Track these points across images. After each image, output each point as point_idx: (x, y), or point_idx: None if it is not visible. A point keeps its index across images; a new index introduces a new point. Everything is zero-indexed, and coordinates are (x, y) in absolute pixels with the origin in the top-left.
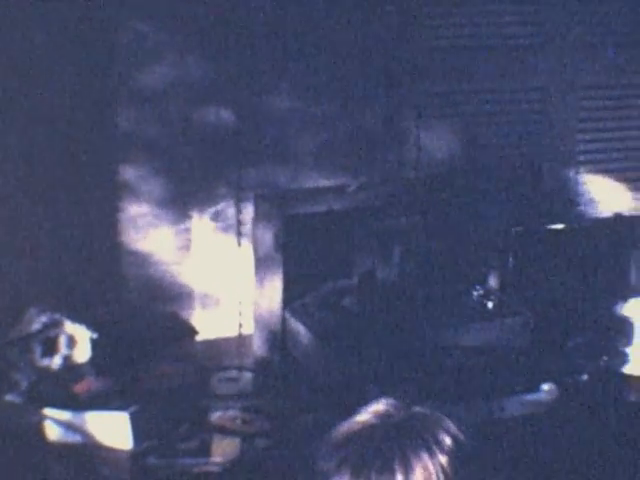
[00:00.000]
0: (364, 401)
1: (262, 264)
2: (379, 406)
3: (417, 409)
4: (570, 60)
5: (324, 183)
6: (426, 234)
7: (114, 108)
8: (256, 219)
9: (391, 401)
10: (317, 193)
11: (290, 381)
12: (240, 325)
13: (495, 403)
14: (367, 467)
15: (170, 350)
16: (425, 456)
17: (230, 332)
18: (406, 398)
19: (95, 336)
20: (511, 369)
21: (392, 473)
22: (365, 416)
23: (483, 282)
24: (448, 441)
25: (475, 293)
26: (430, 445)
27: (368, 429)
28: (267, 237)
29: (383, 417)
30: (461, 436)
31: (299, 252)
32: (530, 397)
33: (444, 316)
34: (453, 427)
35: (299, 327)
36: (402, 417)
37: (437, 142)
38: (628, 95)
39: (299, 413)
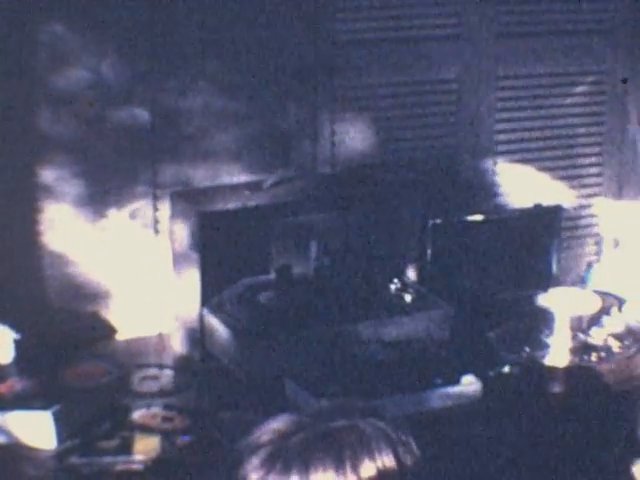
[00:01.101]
0: (283, 396)
1: (179, 262)
2: (279, 424)
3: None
4: (486, 50)
5: (240, 180)
6: (343, 229)
7: (30, 110)
8: (172, 217)
9: (293, 417)
10: (232, 189)
11: (210, 378)
12: (160, 323)
13: (415, 397)
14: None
15: (91, 349)
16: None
17: (150, 330)
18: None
19: (18, 337)
20: (431, 362)
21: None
22: (265, 436)
23: (401, 275)
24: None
25: (393, 287)
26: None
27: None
28: (183, 235)
29: (283, 436)
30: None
31: (216, 249)
32: (451, 390)
33: (362, 310)
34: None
35: (217, 324)
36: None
37: (352, 137)
38: (545, 84)
39: (219, 410)
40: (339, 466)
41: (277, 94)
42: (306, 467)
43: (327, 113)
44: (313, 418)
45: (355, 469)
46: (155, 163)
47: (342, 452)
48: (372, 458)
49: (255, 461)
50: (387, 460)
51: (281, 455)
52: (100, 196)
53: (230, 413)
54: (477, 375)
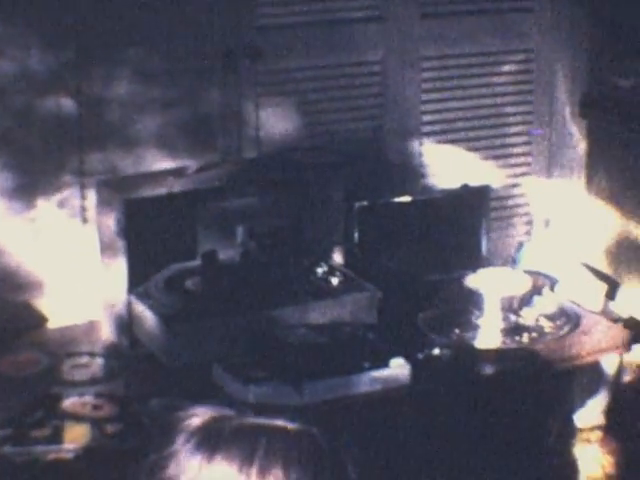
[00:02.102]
0: (211, 382)
1: (106, 250)
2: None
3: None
4: (410, 31)
5: (166, 166)
6: (269, 213)
7: None
8: (98, 205)
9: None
10: (157, 176)
11: (138, 365)
12: (90, 311)
13: (343, 381)
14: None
15: (22, 339)
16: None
17: (80, 319)
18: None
19: None
20: (359, 346)
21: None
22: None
23: (328, 259)
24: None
25: (319, 270)
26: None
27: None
28: (110, 223)
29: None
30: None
31: (143, 236)
32: (380, 373)
33: (288, 295)
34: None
35: (144, 310)
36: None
37: (277, 121)
38: (471, 64)
39: (148, 397)
40: (244, 465)
41: (201, 80)
42: (212, 454)
43: (251, 98)
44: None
45: (262, 474)
46: (82, 152)
47: (255, 453)
48: (285, 469)
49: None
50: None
51: (211, 440)
52: (28, 187)
53: (159, 400)
54: (406, 358)
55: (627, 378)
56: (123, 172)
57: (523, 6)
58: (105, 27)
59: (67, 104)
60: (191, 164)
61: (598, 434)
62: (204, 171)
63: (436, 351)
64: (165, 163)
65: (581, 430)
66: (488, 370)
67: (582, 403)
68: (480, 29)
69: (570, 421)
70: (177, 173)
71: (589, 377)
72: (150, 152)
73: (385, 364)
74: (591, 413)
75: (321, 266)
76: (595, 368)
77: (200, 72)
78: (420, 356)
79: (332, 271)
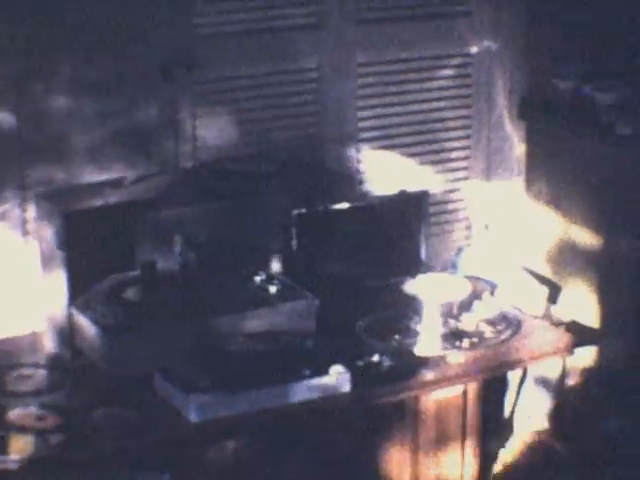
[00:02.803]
0: (153, 392)
1: (47, 262)
2: None
3: None
4: (345, 38)
5: (104, 178)
6: (207, 222)
7: None
8: (38, 218)
9: None
10: (95, 188)
11: (81, 376)
12: (32, 323)
13: (283, 389)
14: None
15: None
16: None
17: (23, 331)
18: None
19: None
20: (299, 353)
21: None
22: None
23: (266, 267)
24: None
25: (258, 279)
26: None
27: None
28: (49, 235)
29: None
30: None
31: (82, 247)
32: (319, 380)
33: (227, 303)
34: None
35: (84, 322)
36: None
37: (213, 130)
38: (408, 69)
39: (91, 407)
40: None
41: (138, 90)
42: None
43: (188, 107)
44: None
45: None
46: (22, 166)
47: None
48: None
49: None
50: None
51: None
52: None
53: (102, 410)
54: (346, 365)
55: (570, 382)
56: (62, 184)
57: (460, 10)
58: (42, 40)
59: (6, 119)
60: (128, 175)
61: (543, 437)
62: (141, 182)
63: (375, 358)
64: (103, 174)
65: (525, 433)
66: (427, 376)
67: (526, 407)
68: (417, 34)
69: (510, 424)
70: (114, 184)
71: (532, 381)
72: (88, 164)
73: (324, 371)
74: (535, 417)
75: (259, 274)
76: (538, 372)
77: (137, 83)
78: (360, 363)
79: (270, 279)
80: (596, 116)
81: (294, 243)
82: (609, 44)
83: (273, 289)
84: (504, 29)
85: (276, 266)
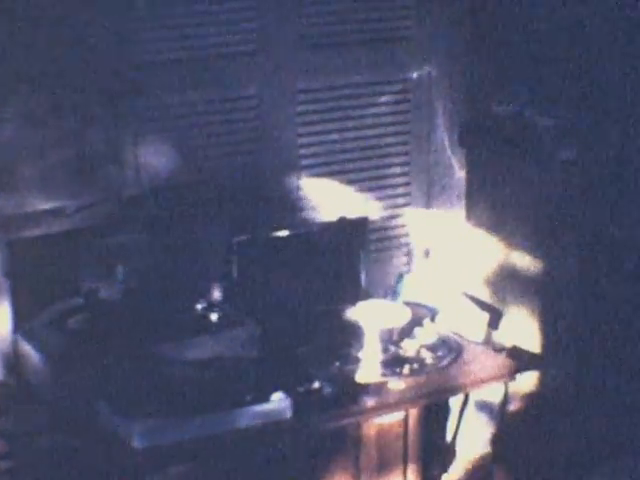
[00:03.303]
0: (97, 418)
1: None
2: None
3: None
4: (285, 64)
5: (49, 206)
6: (149, 250)
7: None
8: None
9: None
10: (39, 216)
11: (26, 403)
12: None
13: (225, 415)
14: None
15: None
16: None
17: None
18: None
19: None
20: (240, 380)
21: None
22: None
23: (207, 295)
24: None
25: (199, 306)
26: None
27: None
28: None
29: None
30: None
31: (27, 275)
32: (260, 407)
33: (169, 331)
34: None
35: (29, 350)
36: None
37: (156, 157)
38: (348, 95)
39: (36, 435)
40: None
41: (81, 119)
42: None
43: (130, 135)
44: None
45: None
46: None
47: None
48: None
49: None
50: None
51: None
52: None
53: (47, 437)
54: (287, 392)
55: (512, 407)
56: (7, 213)
57: (400, 36)
58: None
59: None
60: (72, 203)
61: (484, 462)
62: (84, 210)
63: (317, 384)
64: (48, 203)
65: (468, 458)
66: (368, 402)
67: (468, 432)
68: (357, 60)
69: (453, 449)
70: (58, 213)
71: (473, 406)
72: (33, 192)
73: (266, 398)
74: (477, 442)
75: (201, 302)
76: (479, 397)
77: (80, 111)
78: (301, 390)
79: (211, 307)
80: (537, 141)
81: (235, 270)
82: (550, 69)
83: (214, 316)
84: (444, 55)
85: (217, 293)
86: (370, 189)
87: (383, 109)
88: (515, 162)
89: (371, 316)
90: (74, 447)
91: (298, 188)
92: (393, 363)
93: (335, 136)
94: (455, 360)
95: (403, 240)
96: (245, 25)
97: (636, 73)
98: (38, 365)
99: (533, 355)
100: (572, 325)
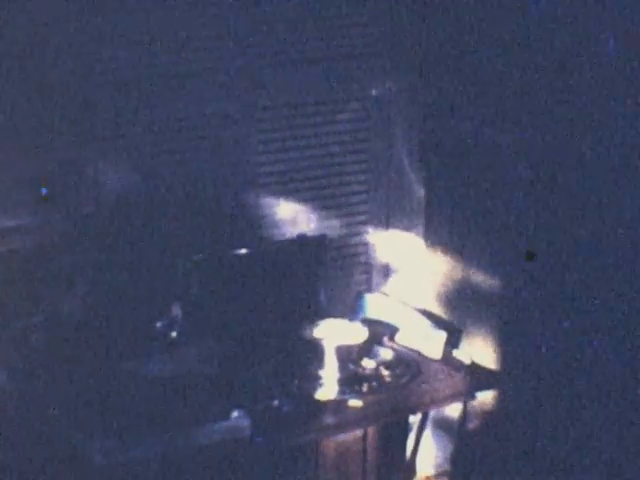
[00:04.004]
0: (58, 435)
1: None
2: None
3: None
4: (245, 82)
5: (9, 224)
6: (108, 267)
7: None
8: None
9: None
10: None
11: None
12: None
13: (184, 433)
14: None
15: None
16: None
17: None
18: None
19: None
20: (199, 398)
21: None
22: None
23: (167, 312)
24: None
25: (159, 323)
26: None
27: None
28: None
29: None
30: None
31: None
32: (220, 425)
33: (130, 348)
34: None
35: None
36: None
37: (116, 176)
38: (306, 113)
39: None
40: None
41: (41, 138)
42: None
43: (89, 153)
44: None
45: None
46: None
47: None
48: None
49: None
50: None
51: None
52: None
53: (9, 454)
54: (246, 410)
55: (471, 425)
56: None
57: (360, 53)
58: None
59: None
60: (32, 221)
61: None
62: (44, 228)
63: (276, 402)
64: (8, 221)
65: (427, 477)
66: (328, 420)
67: (427, 450)
68: (316, 77)
69: (412, 466)
70: (18, 230)
71: (432, 425)
72: None
73: (225, 416)
74: (436, 460)
75: (161, 319)
76: (439, 416)
77: (39, 129)
78: (260, 407)
79: (171, 324)
80: (497, 159)
81: (194, 288)
82: (510, 86)
83: (174, 334)
84: (403, 72)
85: (177, 311)
86: (329, 207)
87: (342, 126)
88: (474, 180)
89: (330, 334)
90: (36, 463)
91: (257, 206)
92: (352, 381)
93: (294, 153)
94: (414, 378)
95: (362, 258)
96: (205, 42)
97: (594, 91)
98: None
99: (492, 373)
100: (531, 344)
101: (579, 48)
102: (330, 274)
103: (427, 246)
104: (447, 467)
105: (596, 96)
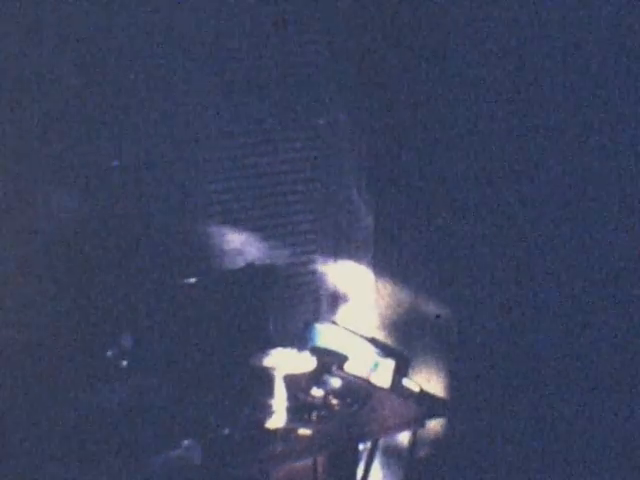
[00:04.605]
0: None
1: None
2: None
3: None
4: (194, 110)
5: None
6: (59, 296)
7: None
8: None
9: None
10: None
11: None
12: None
13: (135, 463)
14: None
15: None
16: None
17: None
18: None
19: None
20: (151, 427)
21: None
22: None
23: (117, 342)
24: None
25: (110, 353)
26: None
27: None
28: None
29: None
30: None
31: None
32: (171, 454)
33: (80, 377)
34: None
35: None
36: None
37: (61, 206)
38: (256, 143)
39: None
40: None
41: None
42: None
43: (40, 183)
44: None
45: None
46: None
47: None
48: None
49: None
50: None
51: None
52: None
53: None
54: (197, 439)
55: (421, 453)
56: None
57: (308, 83)
58: None
59: None
60: None
61: None
62: None
63: (226, 431)
64: None
65: None
66: (278, 448)
67: (376, 478)
68: (265, 107)
69: None
70: None
71: (382, 453)
72: None
73: (176, 445)
74: None
75: (111, 349)
76: (388, 444)
77: None
78: (210, 436)
79: (122, 354)
80: (444, 187)
81: (145, 317)
82: (455, 116)
83: (125, 363)
84: (351, 101)
85: (128, 341)
86: (278, 236)
87: (291, 155)
88: (422, 209)
89: (280, 363)
90: None
91: (207, 235)
92: (301, 410)
93: (243, 183)
94: (363, 407)
95: (311, 287)
96: (152, 71)
97: (538, 120)
98: None
99: (440, 401)
100: (478, 371)
101: (526, 74)
102: (279, 303)
103: (375, 275)
104: None
105: (539, 125)
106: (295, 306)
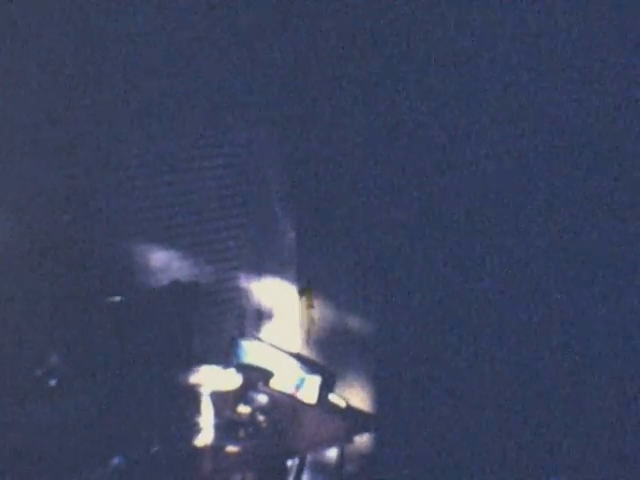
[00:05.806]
0: None
1: None
2: None
3: None
4: (119, 129)
5: None
6: None
7: None
8: None
9: None
10: None
11: None
12: None
13: None
14: None
15: None
16: None
17: None
18: None
19: None
20: (79, 445)
21: None
22: None
23: (46, 360)
24: None
25: (39, 372)
26: None
27: None
28: None
29: None
30: None
31: None
32: (100, 471)
33: (7, 396)
34: None
35: None
36: None
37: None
38: (179, 159)
39: None
40: None
41: None
42: None
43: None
44: None
45: None
46: None
47: None
48: None
49: None
50: None
51: None
52: None
53: None
54: (124, 457)
55: (349, 468)
56: None
57: (232, 101)
58: None
59: None
60: None
61: None
62: None
63: (154, 449)
64: None
65: None
66: (206, 466)
67: None
68: (190, 124)
69: None
70: None
71: (310, 469)
72: None
73: (104, 462)
74: None
75: (41, 367)
76: (316, 460)
77: None
78: (138, 454)
79: (50, 372)
80: (368, 202)
81: (71, 336)
82: (377, 132)
83: (53, 382)
84: (274, 119)
85: (55, 359)
86: (202, 253)
87: (214, 172)
88: (346, 224)
89: (205, 380)
90: None
91: (130, 253)
92: (228, 427)
93: (167, 200)
94: (290, 423)
95: (235, 304)
96: (73, 93)
97: (465, 136)
98: None
99: (368, 416)
100: (404, 385)
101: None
102: (204, 320)
103: (299, 290)
104: None
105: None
106: (220, 323)
